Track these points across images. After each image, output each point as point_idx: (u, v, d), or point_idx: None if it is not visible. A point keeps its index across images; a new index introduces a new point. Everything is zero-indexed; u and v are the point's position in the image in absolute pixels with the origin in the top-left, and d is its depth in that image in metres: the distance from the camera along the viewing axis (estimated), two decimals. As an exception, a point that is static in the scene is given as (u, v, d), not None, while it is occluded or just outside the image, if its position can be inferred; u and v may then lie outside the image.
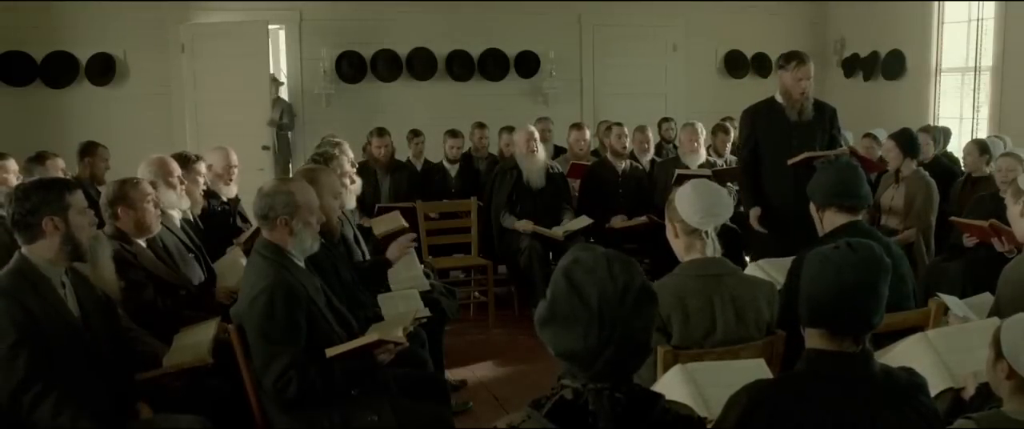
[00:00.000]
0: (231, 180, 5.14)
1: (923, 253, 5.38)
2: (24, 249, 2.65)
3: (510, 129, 7.02)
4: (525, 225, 5.87)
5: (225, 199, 5.13)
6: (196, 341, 3.13)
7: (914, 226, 5.42)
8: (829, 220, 3.24)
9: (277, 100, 8.17)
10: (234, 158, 5.18)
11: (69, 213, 2.65)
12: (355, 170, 4.70)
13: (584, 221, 5.95)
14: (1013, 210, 3.44)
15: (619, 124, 6.45)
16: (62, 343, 2.58)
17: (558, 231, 5.83)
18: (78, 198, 2.70)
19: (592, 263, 1.60)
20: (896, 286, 3.10)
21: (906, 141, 5.61)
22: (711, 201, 2.75)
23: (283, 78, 8.89)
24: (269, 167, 8.17)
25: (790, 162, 4.70)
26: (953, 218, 5.00)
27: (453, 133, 6.89)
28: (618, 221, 6.11)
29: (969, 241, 4.87)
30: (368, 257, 4.31)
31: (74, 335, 2.64)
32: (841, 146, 4.93)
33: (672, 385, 2.36)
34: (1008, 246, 4.38)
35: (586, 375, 1.60)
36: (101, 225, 3.48)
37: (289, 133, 8.54)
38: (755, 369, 2.47)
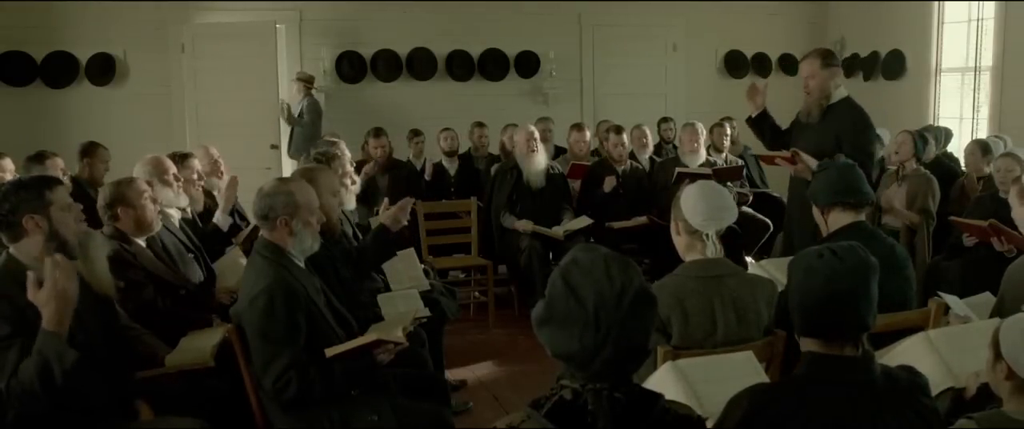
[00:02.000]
0: (222, 173, 5.14)
1: (925, 245, 5.39)
2: (11, 249, 2.66)
3: (514, 126, 7.04)
4: (525, 225, 5.87)
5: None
6: (200, 344, 3.13)
7: (919, 216, 5.44)
8: (834, 220, 3.24)
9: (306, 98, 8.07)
10: (215, 152, 5.19)
11: (50, 210, 2.64)
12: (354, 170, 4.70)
13: (584, 221, 5.95)
14: (1019, 212, 3.43)
15: (617, 132, 6.42)
16: None
17: (558, 231, 5.83)
18: (59, 194, 2.69)
19: (590, 264, 1.60)
20: (900, 287, 3.11)
21: (920, 139, 5.68)
22: (715, 204, 2.76)
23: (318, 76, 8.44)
24: (277, 166, 8.19)
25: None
26: (953, 218, 5.01)
27: (444, 128, 6.96)
28: (609, 182, 6.09)
29: (969, 241, 4.87)
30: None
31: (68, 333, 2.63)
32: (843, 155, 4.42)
33: (664, 382, 2.36)
34: (1007, 246, 4.38)
35: (584, 376, 1.59)
36: (97, 225, 3.48)
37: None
38: (744, 362, 2.48)
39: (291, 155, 7.97)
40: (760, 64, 9.85)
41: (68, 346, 2.43)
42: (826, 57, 4.54)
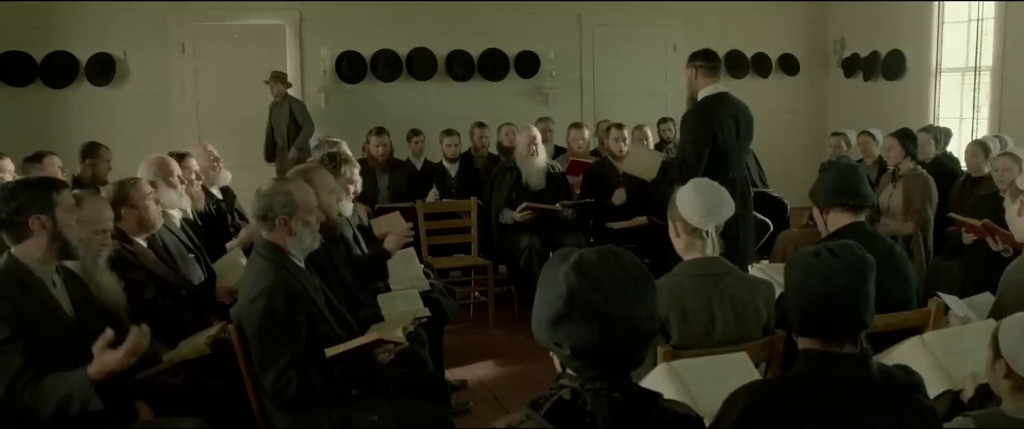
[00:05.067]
0: (220, 167, 5.15)
1: (921, 249, 5.39)
2: (13, 249, 2.65)
3: (510, 124, 7.06)
4: (523, 213, 5.85)
5: (219, 193, 5.13)
6: (195, 340, 3.13)
7: (913, 221, 5.44)
8: (833, 221, 3.24)
9: (286, 99, 7.97)
10: (213, 149, 5.20)
11: (56, 211, 2.64)
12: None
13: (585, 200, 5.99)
14: (1011, 210, 3.44)
15: (619, 127, 6.43)
16: (56, 342, 2.58)
17: (558, 205, 5.85)
18: (65, 196, 2.70)
19: (598, 258, 1.60)
20: (901, 287, 3.11)
21: (906, 139, 5.64)
22: (712, 200, 2.77)
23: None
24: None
25: None
26: (952, 214, 5.01)
27: (448, 132, 6.94)
28: (618, 196, 6.11)
29: (967, 238, 4.86)
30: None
31: (68, 334, 2.64)
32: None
33: (658, 383, 2.36)
34: (1003, 245, 4.38)
35: (594, 372, 1.60)
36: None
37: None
38: (739, 363, 2.49)
39: (294, 158, 7.97)
40: (760, 64, 9.86)
41: (96, 395, 2.49)
42: (693, 57, 4.67)
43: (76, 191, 3.02)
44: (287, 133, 7.89)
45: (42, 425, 2.49)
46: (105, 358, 2.49)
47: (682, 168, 4.51)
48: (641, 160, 5.25)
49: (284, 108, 7.91)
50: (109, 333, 2.52)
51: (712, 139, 4.50)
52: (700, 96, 4.62)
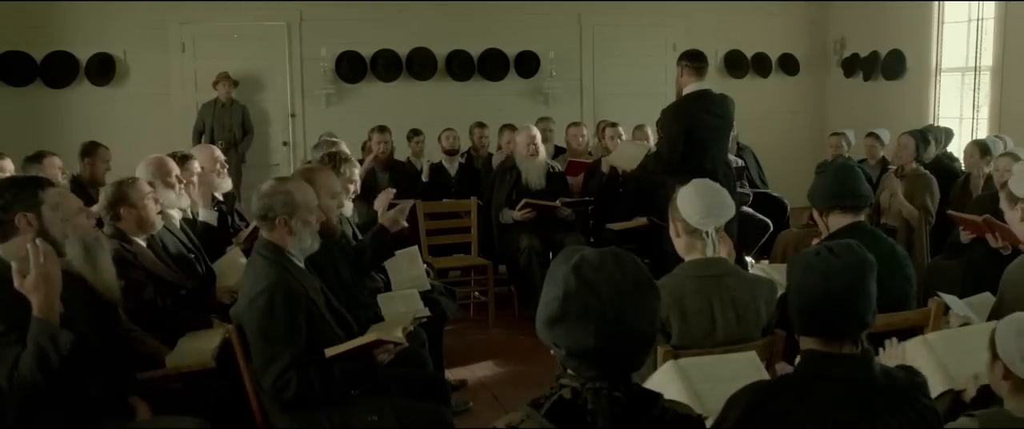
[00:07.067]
0: (223, 173, 5.15)
1: (922, 245, 5.40)
2: (0, 248, 2.65)
3: (511, 127, 7.05)
4: (523, 211, 5.85)
5: (221, 196, 5.12)
6: (201, 345, 3.13)
7: (918, 212, 5.46)
8: (833, 222, 3.23)
9: (233, 104, 7.96)
10: (218, 153, 5.19)
11: (42, 209, 2.64)
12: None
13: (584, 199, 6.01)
14: (1011, 215, 3.43)
15: (614, 125, 6.46)
16: None
17: (558, 202, 5.86)
18: (52, 194, 2.69)
19: (599, 260, 1.60)
20: (901, 285, 3.11)
21: (923, 140, 5.68)
22: (712, 201, 2.77)
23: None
24: (285, 163, 8.22)
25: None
26: (950, 212, 5.02)
27: (445, 128, 7.00)
28: (605, 163, 6.13)
29: (965, 237, 4.86)
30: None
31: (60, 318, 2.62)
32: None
33: (664, 381, 2.36)
34: (1002, 242, 4.38)
35: (592, 372, 1.59)
36: (99, 225, 3.48)
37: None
38: (747, 362, 2.48)
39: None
40: (760, 64, 9.86)
41: (61, 329, 2.45)
42: (681, 56, 4.94)
43: None
44: (235, 136, 7.92)
45: (45, 408, 2.48)
46: (28, 290, 2.44)
47: (657, 159, 4.88)
48: (626, 153, 5.55)
49: (235, 110, 7.93)
50: (15, 267, 2.46)
51: (685, 134, 4.73)
52: (686, 92, 4.85)
